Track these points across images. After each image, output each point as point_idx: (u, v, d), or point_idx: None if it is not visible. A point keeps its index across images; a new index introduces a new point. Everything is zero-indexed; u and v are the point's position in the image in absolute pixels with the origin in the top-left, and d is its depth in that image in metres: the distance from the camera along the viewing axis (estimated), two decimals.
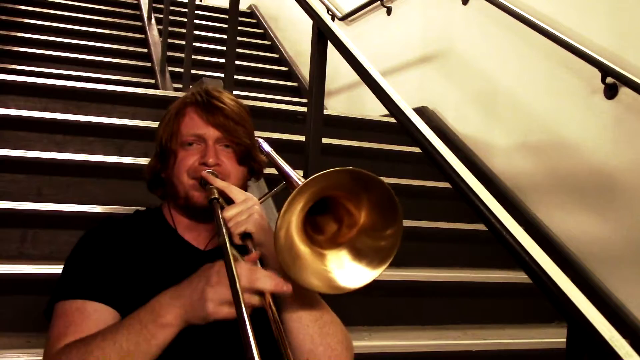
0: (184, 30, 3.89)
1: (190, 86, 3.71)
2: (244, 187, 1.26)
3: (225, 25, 3.27)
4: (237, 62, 3.25)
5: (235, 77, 3.21)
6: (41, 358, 1.10)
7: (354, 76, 2.13)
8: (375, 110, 3.63)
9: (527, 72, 3.10)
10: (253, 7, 6.71)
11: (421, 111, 3.65)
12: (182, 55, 3.92)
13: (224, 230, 1.02)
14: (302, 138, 2.26)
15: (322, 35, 2.18)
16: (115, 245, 1.17)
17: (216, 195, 1.11)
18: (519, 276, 2.27)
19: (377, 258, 1.01)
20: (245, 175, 1.27)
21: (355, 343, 1.23)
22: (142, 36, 5.18)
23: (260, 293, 0.97)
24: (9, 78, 3.01)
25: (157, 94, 3.49)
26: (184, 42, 3.89)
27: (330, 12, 4.77)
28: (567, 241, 2.78)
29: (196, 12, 4.20)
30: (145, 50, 4.95)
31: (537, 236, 1.82)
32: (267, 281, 0.97)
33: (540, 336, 2.31)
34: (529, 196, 3.02)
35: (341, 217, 1.03)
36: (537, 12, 3.02)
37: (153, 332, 0.98)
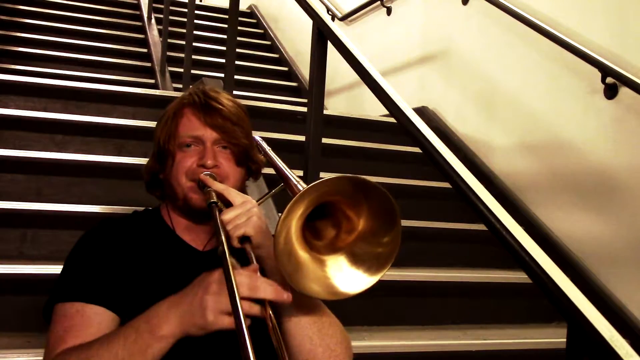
0: (184, 30, 3.89)
1: (190, 86, 3.71)
2: (243, 188, 1.26)
3: (225, 25, 3.27)
4: (237, 62, 3.25)
5: (235, 77, 3.21)
6: (41, 358, 1.10)
7: (354, 76, 2.13)
8: (375, 110, 3.63)
9: (527, 72, 3.10)
10: (253, 7, 6.71)
11: (421, 111, 3.65)
12: (182, 55, 3.92)
13: (223, 236, 1.01)
14: (302, 138, 2.26)
15: (322, 36, 2.18)
16: (113, 246, 1.17)
17: (214, 199, 1.10)
18: (519, 276, 2.27)
19: (375, 264, 1.01)
20: (243, 176, 1.27)
21: (355, 343, 1.23)
22: (142, 36, 5.18)
23: (261, 302, 0.96)
24: (9, 78, 3.01)
25: (157, 94, 3.49)
26: (184, 42, 3.89)
27: (330, 12, 4.77)
28: (567, 241, 2.78)
29: (196, 12, 4.20)
30: (145, 50, 4.95)
31: (537, 236, 1.83)
32: (268, 289, 0.96)
33: (540, 336, 2.31)
34: (529, 196, 3.02)
35: (340, 222, 1.03)
36: (537, 12, 3.02)
37: (149, 343, 0.97)
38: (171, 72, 4.32)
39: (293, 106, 3.70)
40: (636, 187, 2.49)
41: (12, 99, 2.91)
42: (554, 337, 2.19)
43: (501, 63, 3.27)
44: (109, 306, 1.10)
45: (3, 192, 2.28)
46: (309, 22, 2.27)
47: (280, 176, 1.21)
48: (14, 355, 1.60)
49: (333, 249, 1.02)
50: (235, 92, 3.03)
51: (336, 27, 2.19)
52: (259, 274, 1.02)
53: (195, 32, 3.92)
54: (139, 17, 5.47)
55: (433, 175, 2.75)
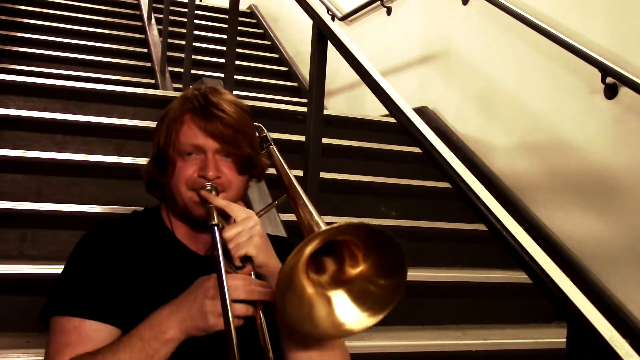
0: (184, 30, 3.89)
1: (191, 86, 3.71)
2: (244, 195, 1.24)
3: (225, 25, 3.27)
4: (237, 62, 3.25)
5: (235, 77, 3.21)
6: (41, 358, 1.10)
7: (354, 76, 2.12)
8: (375, 110, 3.63)
9: (527, 72, 3.10)
10: (253, 7, 6.71)
11: (421, 111, 3.65)
12: (182, 55, 3.92)
13: (219, 245, 1.02)
14: (302, 138, 2.26)
15: (322, 36, 2.18)
16: (112, 252, 1.15)
17: (215, 220, 1.06)
18: (519, 276, 2.27)
19: (376, 305, 0.99)
20: (245, 183, 1.23)
21: (355, 343, 1.23)
22: (142, 36, 5.18)
23: (253, 302, 1.00)
24: (9, 78, 3.01)
25: (157, 94, 3.49)
26: (184, 42, 3.89)
27: (330, 12, 4.77)
28: (567, 241, 2.78)
29: (196, 12, 4.20)
30: (145, 50, 4.95)
31: (537, 236, 1.83)
32: (262, 291, 1.02)
33: (540, 336, 2.31)
34: (529, 196, 3.02)
35: (343, 258, 1.01)
36: (537, 12, 3.02)
37: (156, 348, 1.00)
38: (171, 72, 4.32)
39: (293, 106, 3.70)
40: (636, 187, 2.49)
41: (12, 99, 2.91)
42: (554, 337, 2.19)
43: (501, 63, 3.27)
44: (108, 320, 1.09)
45: (3, 192, 2.28)
46: (309, 22, 2.27)
47: (284, 186, 1.18)
48: (14, 355, 1.60)
49: (333, 284, 1.01)
50: (235, 92, 3.03)
51: (336, 27, 2.19)
52: (253, 275, 1.05)
53: (195, 32, 3.92)
54: (139, 17, 5.47)
55: (433, 175, 2.75)
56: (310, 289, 0.98)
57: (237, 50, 3.24)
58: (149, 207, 1.31)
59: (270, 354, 1.01)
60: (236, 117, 1.18)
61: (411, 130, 1.71)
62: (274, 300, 0.98)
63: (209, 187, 1.14)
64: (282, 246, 1.21)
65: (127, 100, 3.11)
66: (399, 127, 1.80)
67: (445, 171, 1.54)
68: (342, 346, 1.18)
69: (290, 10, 5.27)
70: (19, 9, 4.97)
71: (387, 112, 1.86)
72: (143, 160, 2.46)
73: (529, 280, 1.26)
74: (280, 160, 1.30)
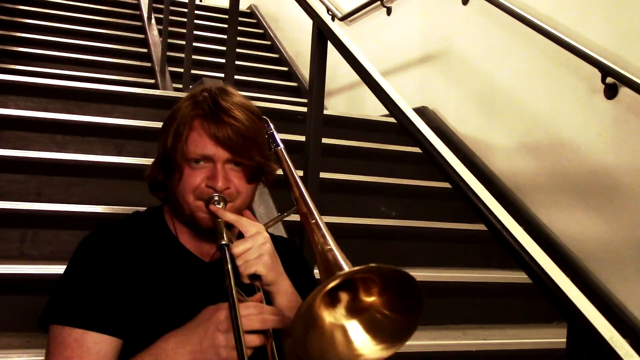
0: (184, 30, 3.89)
1: (191, 86, 3.71)
2: (252, 203, 1.20)
3: (225, 25, 3.27)
4: (237, 62, 3.26)
5: (235, 77, 3.21)
6: (41, 358, 1.09)
7: (354, 76, 2.12)
8: (375, 110, 3.63)
9: (527, 72, 3.10)
10: (253, 7, 6.71)
11: (421, 111, 3.65)
12: (182, 55, 3.92)
13: (231, 270, 0.99)
14: (302, 138, 2.25)
15: (322, 36, 2.18)
16: (115, 259, 1.11)
17: (225, 240, 1.04)
18: (519, 276, 2.27)
19: (388, 339, 0.95)
20: (254, 191, 1.19)
21: None
22: (142, 36, 5.18)
23: (266, 332, 0.99)
24: (9, 78, 3.01)
25: (157, 94, 3.49)
26: (184, 42, 3.90)
27: (330, 12, 4.77)
28: (567, 241, 2.78)
29: (196, 12, 4.20)
30: (145, 50, 4.95)
31: (537, 236, 1.83)
32: (276, 320, 1.00)
33: (540, 336, 2.31)
34: (529, 196, 3.02)
35: (358, 287, 0.96)
36: (537, 12, 3.02)
37: None
38: (171, 72, 4.33)
39: (293, 106, 3.70)
40: (636, 187, 2.49)
41: (12, 99, 2.91)
42: (554, 337, 2.20)
43: (501, 63, 3.27)
44: (110, 332, 1.06)
45: (3, 192, 2.28)
46: (309, 22, 2.27)
47: (295, 197, 1.13)
48: (14, 355, 1.60)
49: (349, 313, 0.96)
50: None
51: (336, 27, 2.19)
52: (264, 302, 1.04)
53: (195, 32, 3.93)
54: (139, 17, 5.48)
55: (433, 175, 2.75)
56: (327, 322, 0.94)
57: (237, 50, 3.24)
58: (150, 207, 1.27)
59: None
60: (248, 124, 1.12)
61: (411, 130, 1.71)
62: (285, 326, 0.98)
63: (217, 198, 1.10)
64: (286, 247, 1.20)
65: (127, 100, 3.11)
66: (399, 127, 1.80)
67: (445, 171, 1.54)
68: None
69: (290, 10, 5.27)
70: (19, 9, 4.97)
71: (387, 112, 1.86)
72: (143, 161, 2.48)
73: (529, 280, 1.26)
74: (289, 165, 1.22)
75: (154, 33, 5.02)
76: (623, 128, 2.58)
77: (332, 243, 0.98)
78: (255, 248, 1.04)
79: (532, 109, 3.05)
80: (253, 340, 0.97)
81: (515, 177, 3.12)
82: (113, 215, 2.14)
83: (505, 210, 1.38)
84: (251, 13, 6.68)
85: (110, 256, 1.11)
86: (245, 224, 1.07)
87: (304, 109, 2.41)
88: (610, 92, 2.62)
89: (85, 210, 2.19)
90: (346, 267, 0.91)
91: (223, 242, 1.03)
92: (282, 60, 5.77)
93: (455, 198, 1.91)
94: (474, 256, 2.71)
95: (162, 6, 4.58)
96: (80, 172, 2.42)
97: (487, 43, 3.38)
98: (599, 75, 2.64)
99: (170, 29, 4.36)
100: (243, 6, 5.87)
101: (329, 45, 2.17)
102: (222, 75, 3.22)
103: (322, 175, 2.19)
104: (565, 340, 1.17)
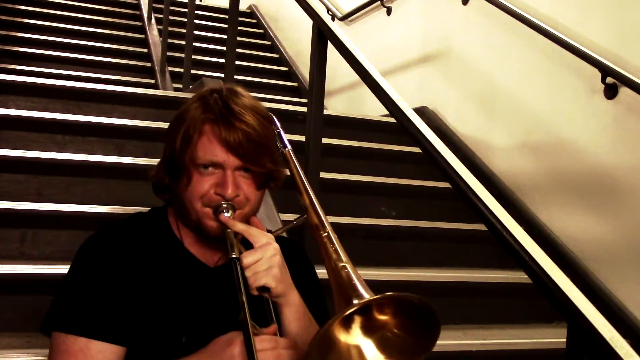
0: (184, 30, 3.89)
1: (191, 86, 3.71)
2: (259, 208, 1.19)
3: (225, 25, 3.27)
4: (237, 62, 3.26)
5: (235, 77, 3.21)
6: (41, 358, 1.09)
7: (354, 76, 2.13)
8: (375, 110, 3.63)
9: (527, 72, 3.10)
10: (253, 7, 6.71)
11: (421, 111, 3.65)
12: (182, 55, 3.92)
13: (246, 306, 0.97)
14: (302, 138, 2.26)
15: (322, 35, 2.18)
16: (118, 264, 1.08)
17: (236, 253, 1.02)
18: (519, 276, 2.27)
19: (402, 357, 0.95)
20: (262, 197, 1.17)
21: None
22: (142, 36, 5.18)
23: None
24: (9, 78, 3.01)
25: (157, 94, 3.49)
26: (184, 42, 3.90)
27: (330, 12, 4.77)
28: (567, 241, 2.78)
29: (196, 12, 4.20)
30: (145, 50, 4.95)
31: (537, 236, 1.83)
32: (291, 353, 1.00)
33: (540, 336, 2.31)
34: (529, 196, 3.02)
35: (372, 310, 0.95)
36: (537, 12, 3.02)
37: None
38: (171, 72, 4.33)
39: (293, 106, 3.70)
40: (636, 187, 2.49)
41: (12, 99, 2.91)
42: (554, 337, 2.19)
43: (501, 63, 3.27)
44: (114, 340, 1.05)
45: (3, 192, 2.28)
46: (309, 22, 2.27)
47: (315, 225, 1.08)
48: (14, 355, 1.60)
49: (363, 332, 0.95)
50: None
51: (336, 27, 2.19)
52: (278, 334, 1.03)
53: (195, 32, 3.93)
54: (139, 17, 5.48)
55: (433, 175, 2.75)
56: (342, 343, 0.93)
57: (237, 50, 3.24)
58: (150, 207, 1.25)
59: None
60: (259, 129, 1.09)
61: (411, 130, 1.71)
62: (300, 358, 0.97)
63: (225, 206, 1.07)
64: (291, 248, 1.19)
65: (127, 100, 3.11)
66: (399, 127, 1.81)
67: (445, 171, 1.55)
68: None
69: (290, 10, 5.26)
70: (19, 9, 4.97)
71: (387, 112, 1.86)
72: (143, 161, 2.48)
73: (529, 280, 1.26)
74: (297, 169, 1.19)
75: (154, 33, 5.02)
76: (623, 128, 2.58)
77: (345, 259, 0.97)
78: (265, 259, 1.02)
79: (532, 109, 3.05)
80: None
81: (515, 177, 3.12)
82: (113, 215, 2.14)
83: (505, 210, 1.39)
84: (251, 13, 6.68)
85: (114, 261, 1.09)
86: (255, 234, 1.06)
87: (304, 109, 2.42)
88: (610, 92, 2.62)
89: (85, 210, 2.19)
90: (365, 294, 0.89)
91: (234, 256, 1.02)
92: (282, 60, 5.77)
93: (455, 198, 1.91)
94: (474, 256, 2.71)
95: (162, 6, 4.58)
96: (80, 172, 2.42)
97: (487, 43, 3.38)
98: (599, 75, 2.64)
99: (170, 29, 4.36)
100: (243, 6, 5.87)
101: (329, 45, 2.18)
102: (222, 75, 3.22)
103: (322, 175, 2.19)
104: (565, 340, 1.17)
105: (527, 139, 3.07)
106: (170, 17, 4.46)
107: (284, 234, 1.26)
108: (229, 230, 1.06)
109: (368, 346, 0.94)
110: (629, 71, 2.51)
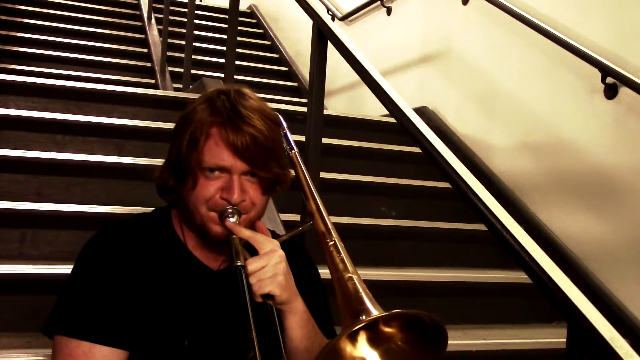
0: (184, 30, 3.89)
1: (191, 86, 3.71)
2: (264, 212, 1.17)
3: (225, 25, 3.27)
4: (237, 62, 3.26)
5: (235, 77, 3.21)
6: (41, 358, 1.09)
7: (354, 76, 2.13)
8: (375, 110, 3.63)
9: (527, 72, 3.10)
10: (253, 7, 6.71)
11: (421, 111, 3.65)
12: (182, 55, 3.92)
13: (254, 332, 0.97)
14: (302, 138, 2.26)
15: (322, 35, 2.19)
16: (121, 267, 1.07)
17: (242, 261, 1.01)
18: (519, 276, 2.27)
19: None
20: (268, 201, 1.16)
21: None
22: (142, 36, 5.18)
23: None
24: (9, 78, 3.01)
25: (157, 94, 3.49)
26: (184, 42, 3.90)
27: (330, 12, 4.77)
28: (567, 241, 2.78)
29: (196, 12, 4.20)
30: (145, 50, 4.95)
31: (537, 236, 1.83)
32: None
33: (540, 336, 2.31)
34: (529, 196, 3.02)
35: (379, 323, 0.95)
36: (537, 12, 3.02)
37: None
38: (171, 72, 4.33)
39: (293, 106, 3.70)
40: (636, 187, 2.49)
41: (12, 99, 2.91)
42: (554, 337, 2.19)
43: (501, 63, 3.27)
44: (118, 344, 1.04)
45: (3, 192, 2.28)
46: (309, 22, 2.27)
47: (321, 232, 1.07)
48: (14, 355, 1.60)
49: (368, 344, 0.95)
50: None
51: (336, 27, 2.19)
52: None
53: (195, 32, 3.93)
54: (139, 17, 5.48)
55: (433, 175, 2.75)
56: (348, 355, 0.93)
57: (237, 50, 3.24)
58: (151, 207, 1.23)
59: None
60: (267, 133, 1.08)
61: (411, 130, 1.71)
62: None
63: (230, 210, 1.06)
64: (294, 251, 1.18)
65: (127, 100, 3.11)
66: (399, 127, 1.81)
67: (445, 171, 1.55)
68: None
69: (290, 10, 5.26)
70: (19, 9, 4.97)
71: (387, 112, 1.86)
72: (143, 161, 2.48)
73: (529, 280, 1.26)
74: (304, 172, 1.18)
75: (154, 33, 5.02)
76: (623, 128, 2.58)
77: (351, 269, 0.97)
78: (270, 267, 1.02)
79: (532, 109, 3.05)
80: None
81: (515, 177, 3.12)
82: (113, 215, 2.14)
83: (505, 210, 1.39)
84: (251, 13, 6.68)
85: (117, 264, 1.08)
86: (261, 241, 1.05)
87: (304, 109, 2.42)
88: (610, 92, 2.62)
89: (85, 211, 2.19)
90: (373, 310, 0.89)
91: (239, 264, 1.01)
92: (282, 60, 5.77)
93: (455, 198, 1.92)
94: (474, 256, 2.71)
95: (162, 6, 4.59)
96: (80, 172, 2.42)
97: (487, 43, 3.38)
98: (599, 75, 2.64)
99: (170, 29, 4.36)
100: (243, 6, 5.87)
101: (329, 45, 2.18)
102: (222, 75, 3.22)
103: (323, 175, 2.19)
104: (565, 340, 1.17)
105: (527, 139, 3.07)
106: (170, 17, 4.46)
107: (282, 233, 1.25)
108: (234, 237, 1.05)
109: (373, 358, 0.94)
110: (629, 71, 2.51)
